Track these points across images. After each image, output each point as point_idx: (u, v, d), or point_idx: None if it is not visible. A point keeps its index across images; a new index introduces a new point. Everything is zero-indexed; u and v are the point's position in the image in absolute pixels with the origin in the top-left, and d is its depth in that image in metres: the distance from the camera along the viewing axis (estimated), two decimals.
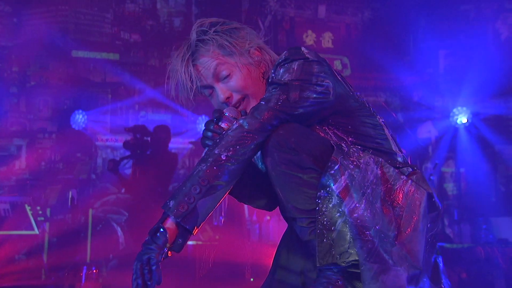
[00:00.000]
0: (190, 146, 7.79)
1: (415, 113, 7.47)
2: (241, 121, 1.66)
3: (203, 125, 1.98)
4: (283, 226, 1.94)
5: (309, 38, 8.00)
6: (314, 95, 1.70)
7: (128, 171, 6.57)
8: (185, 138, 7.90)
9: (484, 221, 6.53)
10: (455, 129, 7.24)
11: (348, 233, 1.52)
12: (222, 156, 1.60)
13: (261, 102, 1.70)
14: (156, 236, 1.55)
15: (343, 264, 1.52)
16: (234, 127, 1.66)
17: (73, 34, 7.62)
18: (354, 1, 7.97)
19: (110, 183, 7.11)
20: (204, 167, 1.60)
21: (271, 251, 2.39)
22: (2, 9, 7.38)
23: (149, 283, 1.50)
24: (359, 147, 1.69)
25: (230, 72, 1.81)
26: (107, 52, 7.71)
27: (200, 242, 5.46)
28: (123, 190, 6.65)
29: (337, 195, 1.53)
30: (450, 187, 7.42)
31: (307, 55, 1.75)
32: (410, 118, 7.39)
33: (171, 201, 1.59)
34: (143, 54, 7.93)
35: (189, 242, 4.03)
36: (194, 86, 1.81)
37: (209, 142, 1.72)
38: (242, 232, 5.78)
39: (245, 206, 5.70)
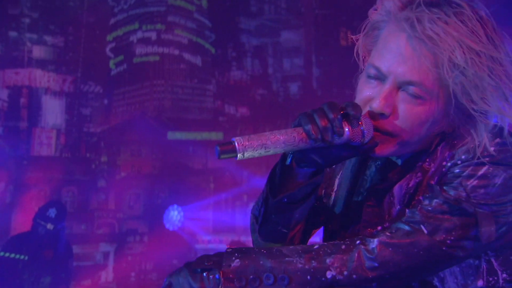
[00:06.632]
0: None
1: None
2: (374, 244, 1.18)
3: (323, 105, 1.20)
4: None
5: None
6: (504, 228, 1.20)
7: None
8: None
9: None
10: None
11: None
12: (327, 274, 1.19)
13: (422, 227, 1.17)
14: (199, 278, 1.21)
15: None
16: (364, 249, 1.19)
17: (169, 112, 6.37)
18: None
19: None
20: (300, 266, 1.19)
21: None
22: (93, 90, 6.42)
23: None
24: None
25: (426, 97, 1.20)
26: (209, 132, 6.31)
27: None
28: None
29: None
30: None
31: None
32: None
33: (236, 260, 1.20)
34: (252, 131, 6.35)
35: None
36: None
37: (310, 131, 1.16)
38: None
39: None
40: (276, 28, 6.46)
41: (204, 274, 1.21)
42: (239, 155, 1.15)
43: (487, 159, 1.19)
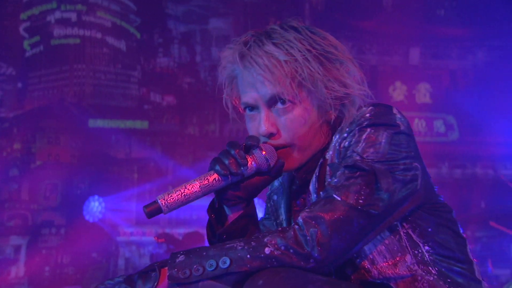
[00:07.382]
0: None
1: None
2: (300, 221, 1.31)
3: (226, 146, 1.40)
4: None
5: (398, 92, 6.04)
6: (404, 191, 1.34)
7: None
8: None
9: None
10: None
11: None
12: (266, 250, 1.30)
13: (335, 196, 1.31)
14: (144, 276, 1.34)
15: None
16: (292, 230, 1.31)
17: (90, 98, 6.03)
18: (462, 39, 5.89)
19: None
20: (240, 248, 1.30)
21: None
22: (4, 72, 5.93)
23: None
24: (435, 265, 1.37)
25: (292, 101, 1.42)
26: (133, 120, 6.06)
27: None
28: None
29: None
30: None
31: (398, 122, 1.39)
32: None
33: (181, 256, 1.32)
34: (178, 120, 6.18)
35: None
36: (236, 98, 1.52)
37: (219, 169, 1.35)
38: None
39: None
40: (205, 15, 6.32)
41: (149, 272, 1.33)
42: (165, 210, 1.31)
43: (366, 123, 1.37)
